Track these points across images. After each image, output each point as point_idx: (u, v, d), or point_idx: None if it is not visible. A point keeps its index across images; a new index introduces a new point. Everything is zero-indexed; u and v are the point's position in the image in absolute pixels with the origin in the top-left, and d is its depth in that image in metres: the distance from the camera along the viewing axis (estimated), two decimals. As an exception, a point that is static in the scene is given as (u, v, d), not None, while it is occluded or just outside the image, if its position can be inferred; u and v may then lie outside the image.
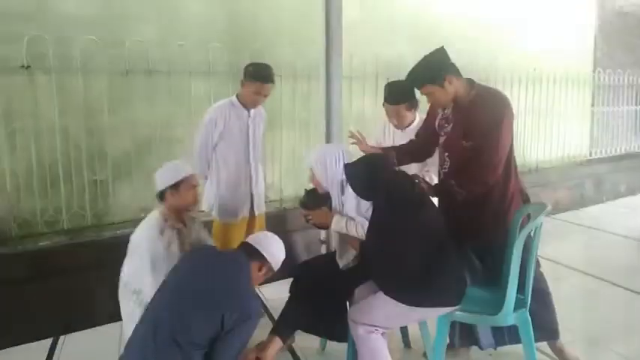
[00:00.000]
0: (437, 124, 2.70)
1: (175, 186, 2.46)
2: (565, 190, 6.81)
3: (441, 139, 2.67)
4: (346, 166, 2.40)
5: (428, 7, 5.44)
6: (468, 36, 5.59)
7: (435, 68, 2.46)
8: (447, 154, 2.65)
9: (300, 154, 4.66)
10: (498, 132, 2.42)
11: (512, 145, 2.54)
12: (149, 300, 2.22)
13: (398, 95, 3.16)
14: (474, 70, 5.63)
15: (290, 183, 4.65)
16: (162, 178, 2.50)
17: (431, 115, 2.79)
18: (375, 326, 2.27)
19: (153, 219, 2.45)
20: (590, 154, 7.42)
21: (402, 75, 2.67)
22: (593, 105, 7.37)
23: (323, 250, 3.84)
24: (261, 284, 2.61)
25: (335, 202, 2.44)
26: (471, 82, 2.55)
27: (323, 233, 3.82)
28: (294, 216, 4.48)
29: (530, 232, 2.33)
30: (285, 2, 4.45)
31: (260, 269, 2.22)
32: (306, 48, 4.35)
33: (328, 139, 3.62)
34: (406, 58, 4.93)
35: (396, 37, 5.13)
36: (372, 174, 2.31)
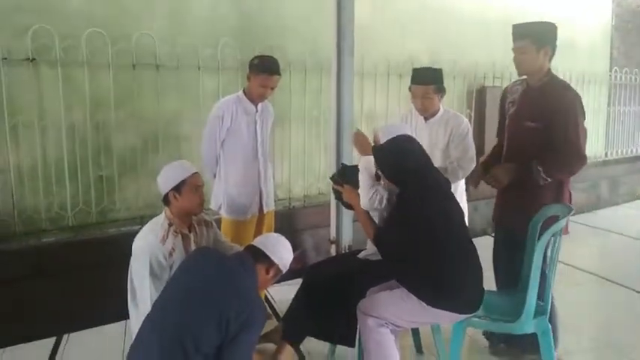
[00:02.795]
0: (506, 108, 2.77)
1: (178, 188, 2.32)
2: (580, 191, 6.65)
3: (506, 122, 2.74)
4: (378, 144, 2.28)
5: (437, 5, 5.31)
6: (478, 33, 5.41)
7: (542, 33, 2.56)
8: (507, 136, 2.70)
9: (310, 151, 4.57)
10: (573, 114, 2.47)
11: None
12: (142, 304, 2.16)
13: (427, 76, 3.11)
14: (488, 67, 5.65)
15: (299, 181, 4.56)
16: (164, 181, 2.36)
17: (502, 103, 2.86)
18: (386, 320, 2.18)
19: (156, 224, 2.34)
20: (606, 155, 7.27)
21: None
22: (609, 105, 7.22)
23: (333, 250, 3.74)
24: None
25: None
26: (549, 70, 2.63)
27: (333, 232, 3.72)
28: (304, 215, 4.40)
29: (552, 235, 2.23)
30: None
31: (267, 272, 2.12)
32: (317, 44, 4.26)
33: (338, 137, 3.53)
34: (418, 57, 4.95)
35: (406, 36, 5.01)
36: (404, 155, 2.20)
